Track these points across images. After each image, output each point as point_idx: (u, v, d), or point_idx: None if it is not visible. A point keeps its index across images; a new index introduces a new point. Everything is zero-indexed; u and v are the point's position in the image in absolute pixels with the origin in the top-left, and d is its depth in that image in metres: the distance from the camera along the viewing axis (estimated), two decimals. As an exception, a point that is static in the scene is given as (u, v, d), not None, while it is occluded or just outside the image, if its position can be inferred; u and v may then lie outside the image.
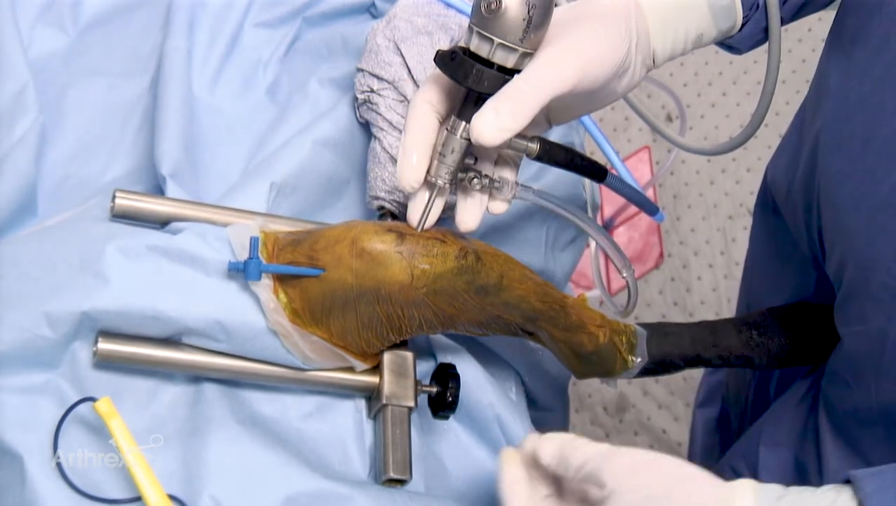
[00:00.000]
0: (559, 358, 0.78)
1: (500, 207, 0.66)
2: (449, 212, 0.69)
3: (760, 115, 0.73)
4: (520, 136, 0.62)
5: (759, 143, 2.17)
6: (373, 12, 0.99)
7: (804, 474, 0.80)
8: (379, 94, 0.85)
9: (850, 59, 0.68)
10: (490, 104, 0.57)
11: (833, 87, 0.70)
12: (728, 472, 0.88)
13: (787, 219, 0.84)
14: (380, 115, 0.84)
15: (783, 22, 0.70)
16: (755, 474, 0.84)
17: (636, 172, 2.08)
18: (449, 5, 0.90)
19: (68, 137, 0.80)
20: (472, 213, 0.66)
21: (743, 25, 0.69)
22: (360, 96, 0.87)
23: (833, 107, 0.70)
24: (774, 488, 0.55)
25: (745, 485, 0.54)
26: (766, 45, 0.71)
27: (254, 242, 0.67)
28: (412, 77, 0.85)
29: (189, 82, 0.86)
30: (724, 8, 0.66)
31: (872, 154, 0.62)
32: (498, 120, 0.56)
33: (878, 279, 0.64)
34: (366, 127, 0.88)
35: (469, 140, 0.59)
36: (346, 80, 0.90)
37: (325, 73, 0.91)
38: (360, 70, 0.88)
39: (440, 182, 0.62)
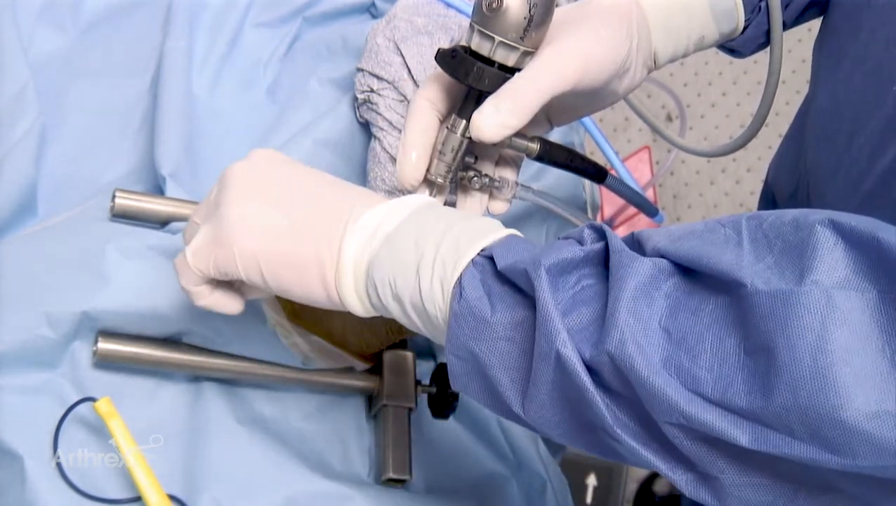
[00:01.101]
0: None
1: (500, 207, 0.66)
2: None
3: (761, 117, 0.72)
4: (520, 135, 0.62)
5: (759, 143, 2.16)
6: (373, 12, 0.99)
7: None
8: (379, 94, 0.85)
9: (838, 54, 0.67)
10: (490, 101, 0.57)
11: (822, 81, 0.70)
12: None
13: None
14: (380, 115, 0.84)
15: (785, 26, 0.70)
16: None
17: (636, 172, 2.08)
18: (449, 5, 0.90)
19: (68, 137, 0.80)
20: (471, 212, 0.66)
21: (745, 28, 0.69)
22: (360, 96, 0.87)
23: (822, 102, 0.70)
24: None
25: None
26: (768, 47, 0.71)
27: None
28: (412, 77, 0.85)
29: (189, 82, 0.85)
30: (725, 11, 0.66)
31: (857, 147, 0.62)
32: (498, 116, 0.56)
33: None
34: (366, 127, 0.88)
35: (469, 139, 0.59)
36: (346, 80, 0.90)
37: (325, 73, 0.91)
38: (360, 70, 0.87)
39: (440, 180, 0.62)
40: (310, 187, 0.55)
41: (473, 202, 0.65)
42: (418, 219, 0.52)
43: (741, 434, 0.39)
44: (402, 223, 0.52)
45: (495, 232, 0.50)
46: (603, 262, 0.46)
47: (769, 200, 0.88)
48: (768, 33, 0.70)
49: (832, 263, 0.38)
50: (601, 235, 0.48)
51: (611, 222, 1.79)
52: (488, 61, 0.57)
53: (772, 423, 0.38)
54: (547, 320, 0.44)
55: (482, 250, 0.49)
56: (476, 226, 0.50)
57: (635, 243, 0.47)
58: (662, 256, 0.44)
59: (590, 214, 0.98)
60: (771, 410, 0.38)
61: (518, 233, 0.52)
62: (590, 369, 0.43)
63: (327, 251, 0.52)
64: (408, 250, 0.50)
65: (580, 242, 0.49)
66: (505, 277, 0.47)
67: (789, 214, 0.42)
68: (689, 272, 0.43)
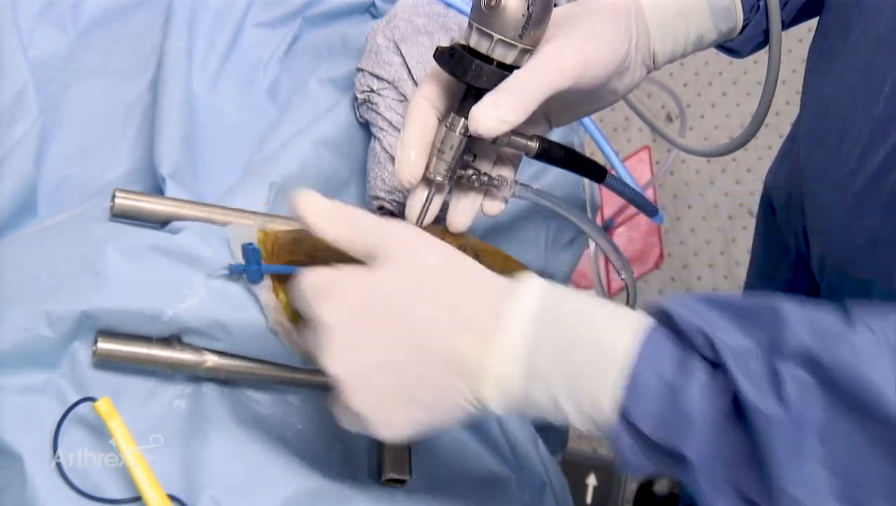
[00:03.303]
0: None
1: (495, 207, 0.66)
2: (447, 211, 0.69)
3: (761, 116, 0.72)
4: (519, 134, 0.62)
5: (759, 143, 2.16)
6: (373, 12, 0.99)
7: None
8: (379, 94, 0.85)
9: (830, 55, 0.68)
10: (489, 97, 0.57)
11: (814, 82, 0.71)
12: None
13: (781, 221, 0.84)
14: (380, 115, 0.84)
15: (784, 26, 0.70)
16: None
17: (636, 172, 2.08)
18: (449, 5, 0.90)
19: (68, 137, 0.80)
20: (463, 213, 0.65)
21: (743, 28, 0.69)
22: (360, 96, 0.87)
23: (814, 103, 0.70)
24: (561, 287, 0.53)
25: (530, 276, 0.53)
26: (767, 46, 0.71)
27: (251, 252, 0.67)
28: (412, 77, 0.85)
29: (189, 82, 0.86)
30: (724, 10, 0.66)
31: (846, 149, 0.62)
32: (497, 111, 0.56)
33: (854, 276, 0.64)
34: (366, 127, 0.88)
35: (468, 137, 0.59)
36: (346, 80, 0.90)
37: (325, 73, 0.91)
38: (360, 70, 0.88)
39: (439, 179, 0.62)
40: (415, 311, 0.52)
41: (466, 203, 0.65)
42: (540, 368, 0.50)
43: None
44: (527, 377, 0.50)
45: (616, 370, 0.48)
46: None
47: (766, 204, 0.88)
48: (767, 32, 0.70)
49: None
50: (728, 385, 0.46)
51: (611, 222, 1.79)
52: (487, 59, 0.57)
53: None
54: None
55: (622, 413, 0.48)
56: (593, 373, 0.49)
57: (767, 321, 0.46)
58: (808, 355, 0.44)
59: (589, 214, 0.98)
60: None
61: (649, 329, 0.49)
62: None
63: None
64: (547, 411, 0.51)
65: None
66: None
67: None
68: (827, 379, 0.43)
